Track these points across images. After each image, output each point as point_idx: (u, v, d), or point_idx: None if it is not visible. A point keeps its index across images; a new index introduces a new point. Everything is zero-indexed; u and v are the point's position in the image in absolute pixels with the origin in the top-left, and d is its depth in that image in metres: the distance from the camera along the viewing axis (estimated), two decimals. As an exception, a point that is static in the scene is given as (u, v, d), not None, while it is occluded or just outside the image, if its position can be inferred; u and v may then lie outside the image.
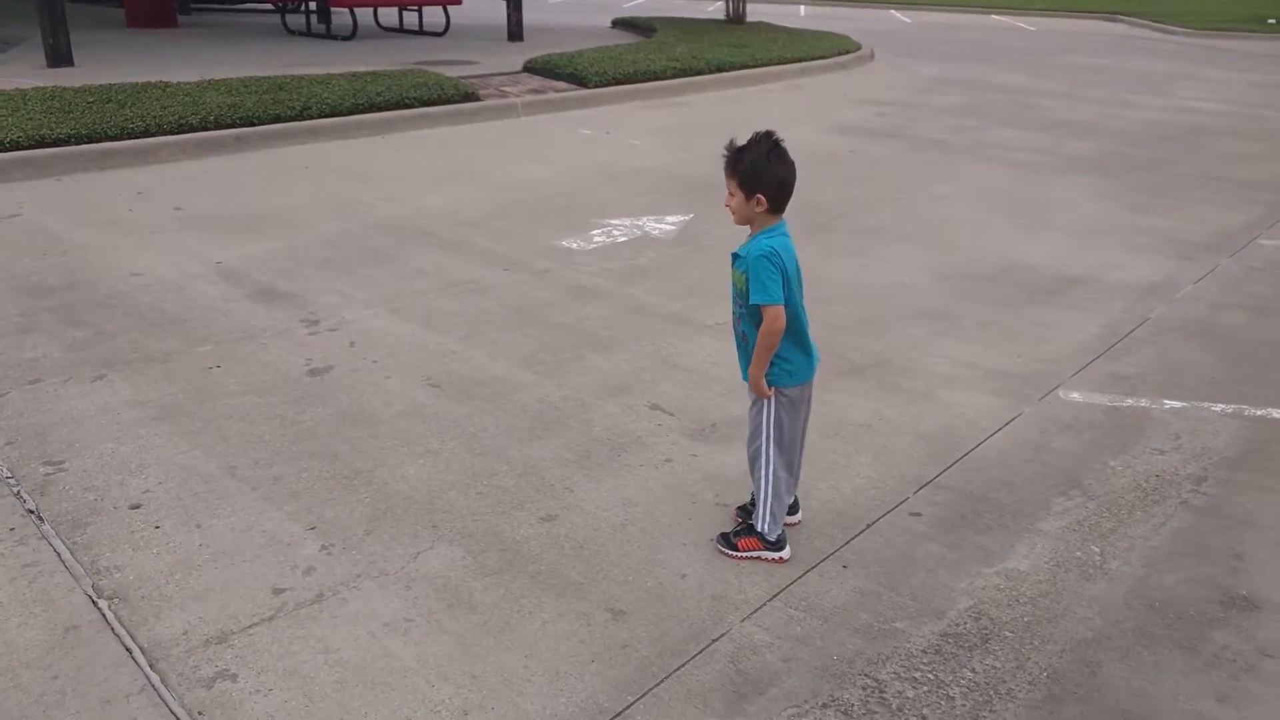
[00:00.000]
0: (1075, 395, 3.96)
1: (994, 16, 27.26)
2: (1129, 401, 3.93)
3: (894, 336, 4.50)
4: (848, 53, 14.93)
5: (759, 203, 2.66)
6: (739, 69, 12.47)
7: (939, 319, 4.71)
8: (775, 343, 2.66)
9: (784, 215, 2.73)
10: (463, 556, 2.85)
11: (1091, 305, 4.96)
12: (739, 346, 2.84)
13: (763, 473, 2.79)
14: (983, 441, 3.56)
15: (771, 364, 2.70)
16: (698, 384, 3.99)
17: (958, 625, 2.60)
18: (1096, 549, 2.95)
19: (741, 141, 2.69)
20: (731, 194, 2.71)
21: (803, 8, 27.61)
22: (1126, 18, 25.67)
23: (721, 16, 19.49)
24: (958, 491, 3.24)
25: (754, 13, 20.07)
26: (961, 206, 6.87)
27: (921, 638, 2.55)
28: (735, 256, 2.75)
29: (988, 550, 2.93)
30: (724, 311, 4.71)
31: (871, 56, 15.55)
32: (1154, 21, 24.27)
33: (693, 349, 4.33)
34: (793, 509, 2.98)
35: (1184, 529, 3.08)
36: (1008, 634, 2.58)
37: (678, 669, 2.42)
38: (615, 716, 2.27)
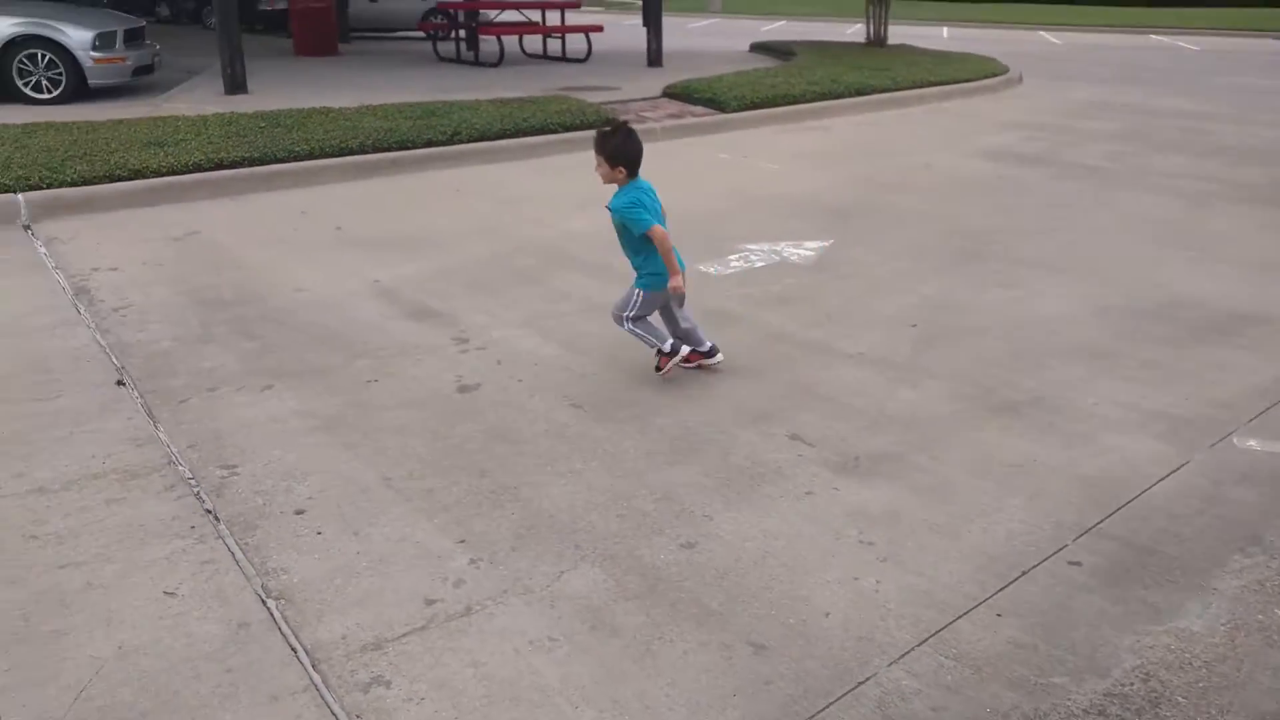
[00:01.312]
0: (1252, 443, 3.71)
1: (1152, 36, 26.05)
2: (1312, 451, 3.66)
3: (1049, 374, 4.33)
4: (994, 75, 14.53)
5: (620, 171, 3.99)
6: (879, 92, 12.30)
7: (1098, 356, 4.50)
8: (669, 247, 4.02)
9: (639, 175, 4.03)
10: (604, 579, 2.88)
11: (1268, 346, 4.65)
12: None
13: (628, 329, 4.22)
14: (1148, 489, 3.38)
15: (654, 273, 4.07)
16: (839, 414, 3.93)
17: (1123, 685, 2.47)
18: None
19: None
20: (599, 165, 4.01)
21: (945, 29, 27.06)
22: (1301, 36, 24.12)
23: (862, 39, 19.28)
24: (1121, 541, 3.07)
25: (895, 35, 19.79)
26: (1121, 237, 6.56)
27: (1083, 696, 2.43)
28: (609, 209, 4.06)
29: (1156, 607, 2.76)
30: (865, 340, 4.66)
31: (1019, 80, 15.08)
32: (1333, 40, 22.70)
33: (832, 378, 4.27)
34: (710, 353, 4.30)
35: (1377, 594, 2.84)
36: (1180, 699, 2.42)
37: (822, 709, 2.38)
38: (758, 753, 2.25)
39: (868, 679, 2.48)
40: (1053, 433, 3.78)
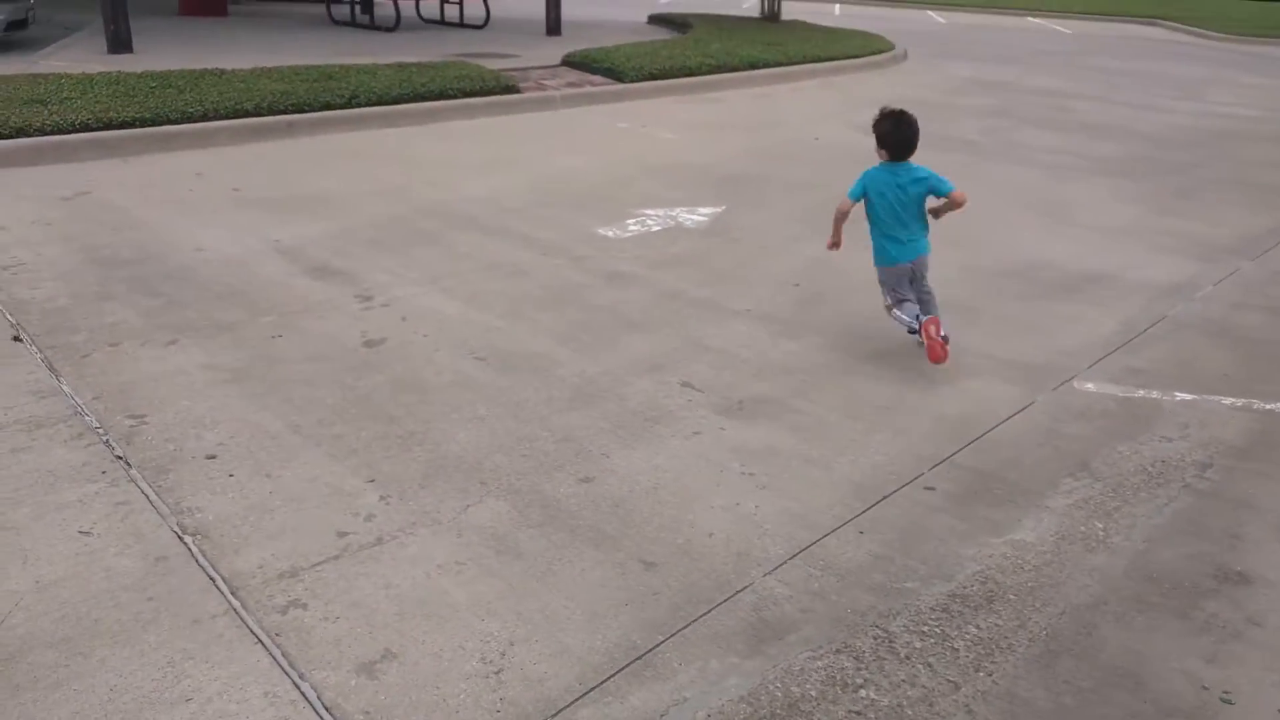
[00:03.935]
0: (1089, 386, 4.16)
1: (1030, 19, 27.22)
2: (1141, 393, 4.12)
3: (917, 327, 4.71)
4: (881, 52, 15.08)
5: (882, 153, 4.27)
6: (772, 66, 12.66)
7: (962, 311, 4.91)
8: (836, 217, 4.42)
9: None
10: (509, 510, 3.11)
11: (1111, 302, 5.14)
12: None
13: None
14: (997, 425, 3.77)
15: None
16: (726, 364, 4.23)
17: (965, 587, 2.82)
18: (1100, 525, 3.16)
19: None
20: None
21: (838, 6, 27.70)
22: (1164, 22, 25.58)
23: (757, 14, 19.65)
24: (970, 470, 3.45)
25: (789, 11, 20.22)
26: (988, 205, 7.04)
27: (930, 597, 2.78)
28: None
29: (996, 522, 3.14)
30: (752, 298, 4.96)
31: (905, 56, 15.68)
32: (1191, 26, 24.16)
33: (722, 332, 4.56)
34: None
35: (1186, 510, 3.28)
36: (1011, 596, 2.79)
37: (704, 614, 2.67)
38: (647, 652, 2.52)
39: (745, 588, 2.78)
40: (918, 378, 4.15)
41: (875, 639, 2.61)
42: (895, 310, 4.33)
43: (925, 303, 4.32)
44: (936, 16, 27.08)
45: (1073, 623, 2.70)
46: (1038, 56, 17.33)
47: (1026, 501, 3.27)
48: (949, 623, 2.68)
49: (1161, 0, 30.61)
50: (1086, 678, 2.49)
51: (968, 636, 2.63)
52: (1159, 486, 3.41)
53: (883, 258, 4.35)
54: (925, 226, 4.31)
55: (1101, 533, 3.12)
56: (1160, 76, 15.20)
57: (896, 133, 4.18)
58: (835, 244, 4.45)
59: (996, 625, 2.68)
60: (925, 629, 2.66)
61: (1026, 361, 4.37)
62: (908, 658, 2.55)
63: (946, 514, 3.18)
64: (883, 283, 4.41)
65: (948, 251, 5.88)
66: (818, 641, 2.59)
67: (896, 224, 4.25)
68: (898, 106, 4.29)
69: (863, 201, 4.33)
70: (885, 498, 3.25)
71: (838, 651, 2.55)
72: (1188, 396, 4.11)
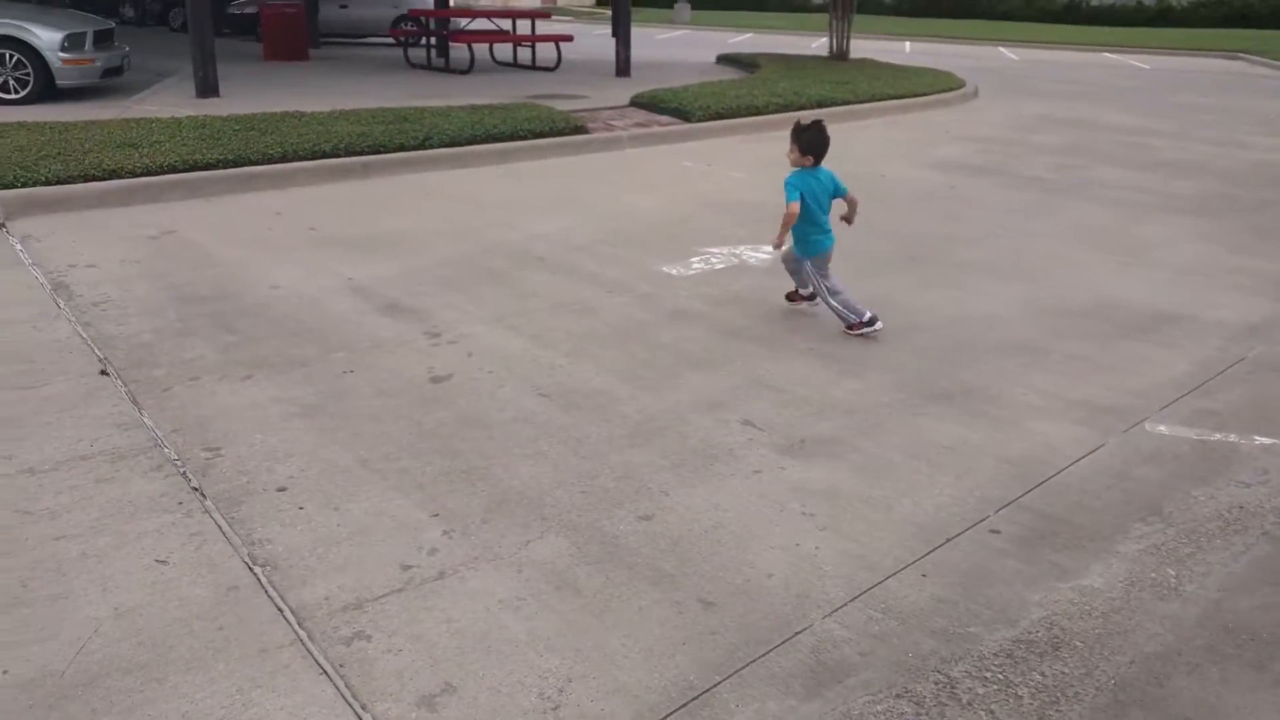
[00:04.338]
0: (1162, 428, 4.05)
1: (1107, 55, 26.80)
2: (1217, 436, 4.00)
3: (983, 367, 4.65)
4: (951, 90, 15.00)
5: (808, 159, 4.99)
6: (840, 105, 12.69)
7: (1029, 352, 4.84)
8: (784, 221, 4.90)
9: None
10: (568, 547, 3.14)
11: (1185, 343, 5.01)
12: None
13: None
14: (1065, 468, 3.69)
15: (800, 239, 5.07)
16: (788, 403, 4.22)
17: (1030, 633, 2.76)
18: (1172, 572, 3.07)
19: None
20: (790, 151, 4.99)
21: (908, 44, 27.64)
22: (1247, 56, 24.95)
23: (825, 53, 19.72)
24: (1037, 513, 3.38)
25: (858, 49, 20.26)
26: (1059, 243, 6.94)
27: (994, 642, 2.72)
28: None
29: (1063, 567, 3.07)
30: (815, 336, 4.96)
31: (975, 94, 15.57)
32: (1276, 61, 23.52)
33: (784, 370, 4.56)
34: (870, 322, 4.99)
35: (1264, 558, 3.16)
36: (1078, 643, 2.73)
37: (762, 655, 2.65)
38: (704, 692, 2.51)
39: (804, 629, 2.76)
40: (983, 419, 4.09)
41: (937, 684, 2.57)
42: (839, 298, 4.99)
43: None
44: (1009, 53, 26.85)
45: (1143, 672, 2.63)
46: (1114, 93, 17.05)
47: (1095, 546, 3.19)
48: (1013, 669, 2.63)
49: (1244, 35, 29.90)
50: (1157, 731, 2.42)
51: (1032, 684, 2.57)
52: (1235, 533, 3.30)
53: (817, 248, 5.02)
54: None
55: (1174, 580, 3.03)
56: (1242, 112, 14.83)
57: (820, 139, 4.98)
58: (779, 244, 4.99)
59: (1063, 673, 2.62)
60: (988, 675, 2.61)
61: (1096, 403, 4.28)
62: (970, 704, 2.50)
63: (1012, 558, 3.12)
64: (812, 271, 5.06)
65: (1015, 288, 5.82)
66: (878, 685, 2.55)
67: (823, 216, 5.01)
68: (815, 118, 5.12)
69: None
70: (949, 540, 3.20)
71: (898, 696, 2.52)
72: (1267, 440, 3.97)
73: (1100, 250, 6.77)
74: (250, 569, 2.99)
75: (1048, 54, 26.72)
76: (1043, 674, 2.61)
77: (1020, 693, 2.54)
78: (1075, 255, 6.63)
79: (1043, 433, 3.98)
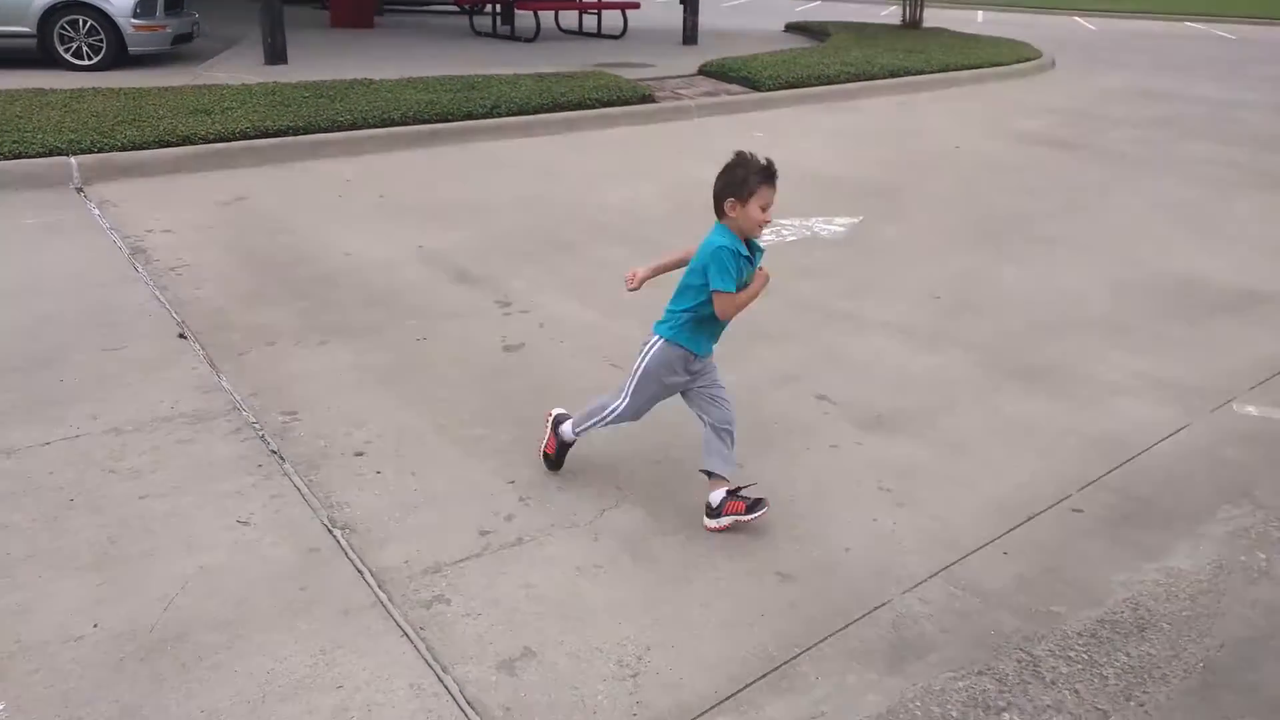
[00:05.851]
0: (1250, 409, 3.91)
1: (1189, 24, 25.82)
2: (1312, 419, 3.85)
3: (1066, 344, 4.53)
4: (1027, 60, 14.58)
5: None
6: (913, 74, 12.40)
7: (1113, 329, 4.70)
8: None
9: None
10: (644, 516, 3.13)
11: (1275, 321, 4.82)
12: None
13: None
14: (1150, 447, 3.59)
15: None
16: (864, 377, 4.16)
17: (1115, 613, 2.70)
18: (1263, 555, 2.97)
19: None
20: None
21: (980, 13, 26.93)
22: (1341, 24, 23.83)
23: (897, 21, 19.30)
24: (1121, 492, 3.29)
25: (930, 18, 19.79)
26: (1143, 219, 6.72)
27: (1078, 621, 2.66)
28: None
29: (1148, 548, 2.99)
30: (891, 310, 4.87)
31: (1052, 64, 15.11)
32: (1373, 28, 22.43)
33: (860, 344, 4.49)
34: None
35: (1363, 547, 3.04)
36: (1165, 625, 2.65)
37: (841, 629, 2.63)
38: (783, 664, 2.50)
39: (883, 604, 2.72)
40: (1065, 397, 3.99)
41: (1019, 662, 2.52)
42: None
43: None
44: (1085, 23, 25.99)
45: (1232, 656, 2.55)
46: (1199, 64, 16.42)
47: (1181, 528, 3.10)
48: (1097, 649, 2.57)
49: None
50: (1249, 713, 2.35)
51: (1118, 664, 2.51)
52: (1334, 520, 3.18)
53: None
54: None
55: (1264, 564, 2.93)
56: (1334, 81, 14.19)
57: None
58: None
59: (1149, 654, 2.55)
60: (1072, 654, 2.55)
61: (1182, 382, 4.14)
62: (1053, 683, 2.45)
63: (1095, 537, 3.04)
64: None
65: (1097, 263, 5.65)
66: (959, 662, 2.51)
67: None
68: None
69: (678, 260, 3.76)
70: (1031, 518, 3.13)
71: (980, 673, 2.48)
72: (1367, 425, 3.81)
73: (1186, 226, 6.54)
74: (330, 531, 3.04)
75: (1126, 23, 25.82)
76: (1128, 654, 2.55)
77: (1105, 673, 2.48)
78: (1160, 231, 6.42)
79: (1126, 411, 3.87)
